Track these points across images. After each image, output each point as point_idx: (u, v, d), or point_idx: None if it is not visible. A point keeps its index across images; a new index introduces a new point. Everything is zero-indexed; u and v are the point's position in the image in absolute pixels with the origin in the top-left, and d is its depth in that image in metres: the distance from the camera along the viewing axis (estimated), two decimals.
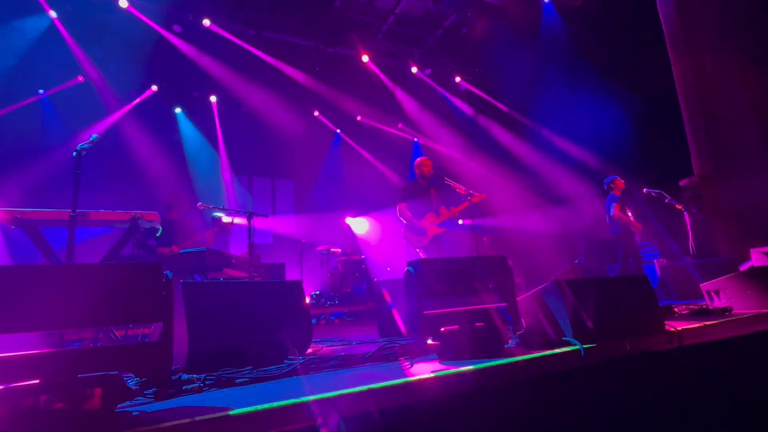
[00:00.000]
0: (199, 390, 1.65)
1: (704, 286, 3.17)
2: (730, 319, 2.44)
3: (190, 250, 4.17)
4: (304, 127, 9.73)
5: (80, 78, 7.41)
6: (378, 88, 9.33)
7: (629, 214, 5.69)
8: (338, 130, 10.78)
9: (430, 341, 1.97)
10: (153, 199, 7.65)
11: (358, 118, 10.48)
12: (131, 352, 1.39)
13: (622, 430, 1.83)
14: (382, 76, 9.09)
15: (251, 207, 9.58)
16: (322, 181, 10.68)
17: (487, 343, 1.90)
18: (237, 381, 1.74)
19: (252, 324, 2.35)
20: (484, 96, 9.45)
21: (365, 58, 8.50)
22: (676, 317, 2.76)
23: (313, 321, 6.76)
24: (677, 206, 5.59)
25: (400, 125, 10.77)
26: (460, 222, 7.74)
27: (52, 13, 6.72)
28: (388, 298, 3.02)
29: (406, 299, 2.28)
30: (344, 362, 1.98)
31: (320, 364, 1.96)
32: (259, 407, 1.22)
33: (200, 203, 4.76)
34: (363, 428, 1.34)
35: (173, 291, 1.51)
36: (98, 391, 1.24)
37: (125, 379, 1.37)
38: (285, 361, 2.15)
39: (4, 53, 6.51)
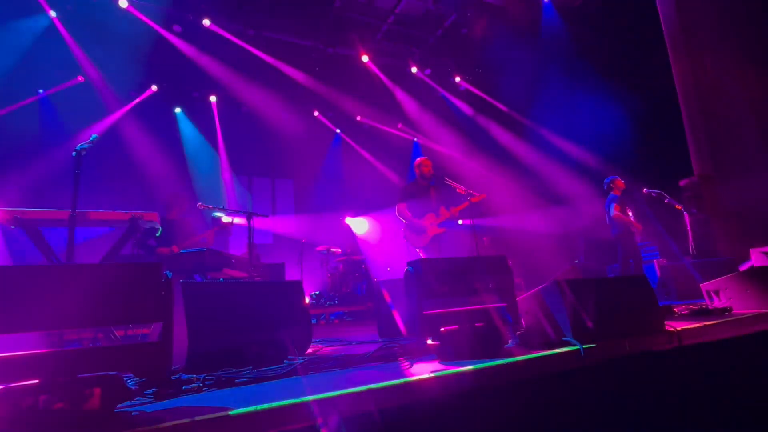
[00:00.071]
0: (199, 390, 1.65)
1: (704, 286, 3.17)
2: (729, 319, 2.44)
3: (189, 250, 4.17)
4: (304, 127, 9.73)
5: (80, 78, 7.41)
6: (378, 88, 9.33)
7: (630, 214, 5.69)
8: (338, 130, 10.78)
9: (429, 341, 1.97)
10: (153, 199, 7.65)
11: (358, 118, 10.48)
12: (131, 352, 1.39)
13: (622, 430, 1.83)
14: (382, 76, 9.09)
15: (251, 207, 9.59)
16: (322, 181, 10.68)
17: (487, 343, 1.90)
18: (237, 381, 1.74)
19: (252, 324, 2.35)
20: (484, 96, 9.45)
21: (365, 58, 8.50)
22: (676, 317, 2.76)
23: (313, 321, 6.76)
24: (677, 206, 5.59)
25: (399, 125, 10.77)
26: (460, 222, 7.74)
27: (52, 13, 6.72)
28: (387, 298, 3.02)
29: (405, 299, 2.28)
30: (344, 362, 1.98)
31: (320, 364, 1.96)
32: (259, 407, 1.22)
33: (200, 203, 4.76)
34: (363, 428, 1.34)
35: (173, 291, 1.51)
36: (98, 391, 1.24)
37: (125, 379, 1.37)
38: (285, 361, 2.15)
39: (3, 53, 6.51)
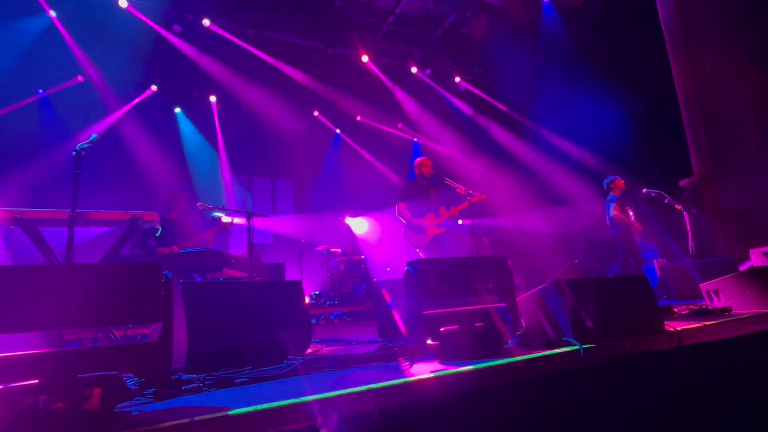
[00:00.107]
0: (199, 390, 1.64)
1: (704, 286, 3.17)
2: (729, 319, 2.44)
3: (189, 250, 4.18)
4: (304, 127, 9.73)
5: (80, 78, 7.41)
6: (378, 88, 9.33)
7: (630, 214, 5.69)
8: (338, 130, 10.78)
9: (429, 341, 1.97)
10: (153, 199, 7.65)
11: (358, 118, 10.48)
12: (131, 352, 1.39)
13: (622, 430, 1.83)
14: (382, 76, 9.09)
15: (251, 207, 9.59)
16: (322, 181, 10.68)
17: (487, 343, 1.90)
18: (236, 381, 1.74)
19: (251, 324, 2.35)
20: (484, 96, 9.45)
21: (365, 58, 8.50)
22: (676, 317, 2.76)
23: (313, 321, 6.76)
24: (677, 206, 5.59)
25: (399, 125, 10.77)
26: (460, 222, 7.74)
27: (52, 13, 6.72)
28: (387, 298, 3.02)
29: (405, 299, 2.28)
30: (344, 362, 1.98)
31: (320, 364, 1.96)
32: (259, 407, 1.22)
33: (200, 203, 4.76)
34: (363, 428, 1.34)
35: (173, 291, 1.51)
36: (97, 391, 1.24)
37: (125, 379, 1.37)
38: (284, 361, 2.15)
39: (3, 53, 6.51)
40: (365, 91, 9.46)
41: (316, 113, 10.17)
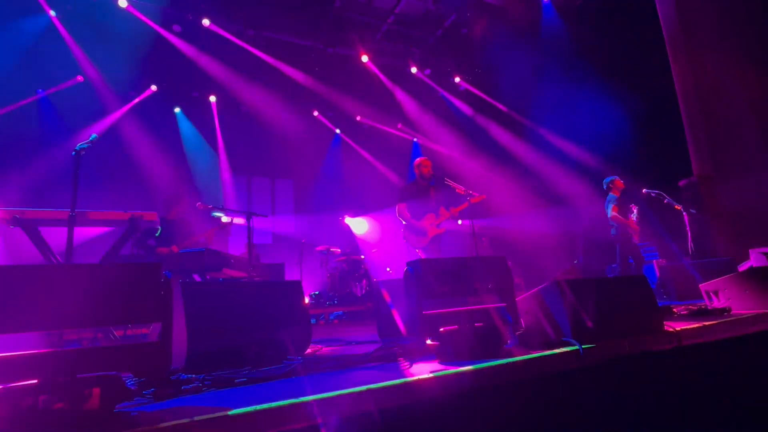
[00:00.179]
0: (198, 390, 1.64)
1: (703, 286, 3.18)
2: (729, 319, 2.44)
3: (189, 250, 4.17)
4: (304, 127, 9.73)
5: (79, 78, 7.41)
6: (377, 88, 9.33)
7: (634, 212, 5.69)
8: (338, 130, 10.78)
9: (429, 341, 1.97)
10: (152, 199, 7.65)
11: (358, 118, 10.49)
12: (130, 352, 1.39)
13: (621, 430, 1.83)
14: (382, 77, 9.09)
15: (250, 207, 9.59)
16: (322, 181, 10.68)
17: (487, 344, 1.90)
18: (236, 381, 1.74)
19: (251, 324, 2.34)
20: (484, 96, 9.45)
21: (365, 58, 8.50)
22: (675, 317, 2.76)
23: (313, 321, 6.76)
24: (676, 206, 5.59)
25: (399, 125, 10.77)
26: (460, 222, 7.74)
27: (52, 13, 6.71)
28: (387, 298, 3.02)
29: (405, 299, 2.28)
30: (343, 362, 1.98)
31: (319, 364, 1.96)
32: (258, 407, 1.22)
33: (199, 203, 4.76)
34: (363, 428, 1.34)
35: (172, 291, 1.51)
36: (97, 391, 1.24)
37: (124, 379, 1.37)
38: (284, 361, 2.15)
39: (3, 53, 6.50)
40: (365, 91, 9.46)
41: (315, 113, 10.17)
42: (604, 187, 5.97)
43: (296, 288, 2.69)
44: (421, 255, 4.65)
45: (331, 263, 8.18)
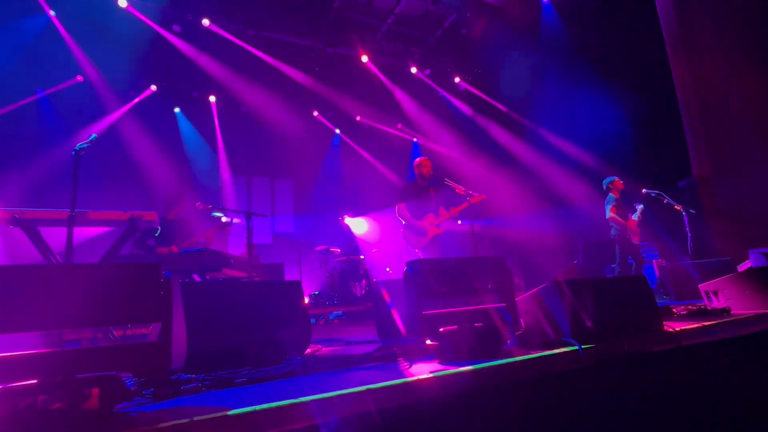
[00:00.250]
0: (198, 390, 1.64)
1: (703, 286, 3.18)
2: (728, 319, 2.44)
3: (189, 250, 4.17)
4: (304, 127, 9.73)
5: (79, 77, 7.40)
6: (377, 88, 9.33)
7: (638, 211, 5.69)
8: (337, 130, 10.78)
9: (429, 342, 1.97)
10: (152, 199, 7.64)
11: (358, 118, 10.49)
12: (130, 352, 1.39)
13: (621, 430, 1.83)
14: (382, 77, 9.09)
15: (250, 207, 9.59)
16: (322, 181, 10.68)
17: (486, 344, 1.90)
18: (236, 381, 1.74)
19: (251, 324, 2.34)
20: (484, 96, 9.46)
21: (365, 59, 8.50)
22: (675, 318, 2.76)
23: (312, 321, 6.75)
24: (676, 207, 5.60)
25: (399, 125, 10.77)
26: (460, 222, 7.74)
27: (51, 12, 6.71)
28: (387, 298, 3.02)
29: (405, 299, 2.28)
30: (343, 362, 1.98)
31: (319, 364, 1.96)
32: (258, 407, 1.22)
33: (199, 203, 4.75)
34: (362, 428, 1.34)
35: (172, 291, 1.50)
36: (96, 391, 1.24)
37: (123, 379, 1.37)
38: (284, 361, 2.15)
39: (2, 52, 6.50)
40: (365, 91, 9.46)
41: (315, 113, 10.17)
42: (604, 187, 5.98)
43: (296, 288, 2.69)
44: (421, 255, 4.65)
45: (330, 263, 8.18)
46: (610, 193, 5.85)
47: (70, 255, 2.75)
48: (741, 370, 2.25)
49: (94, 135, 3.09)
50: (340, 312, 7.30)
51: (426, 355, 2.02)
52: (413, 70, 9.10)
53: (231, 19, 7.48)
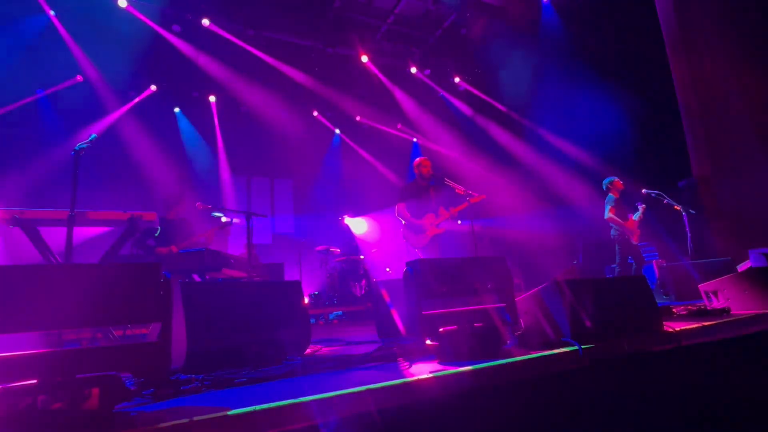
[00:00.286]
0: (198, 390, 1.64)
1: (702, 286, 3.18)
2: (728, 319, 2.44)
3: (188, 250, 4.17)
4: (304, 127, 9.73)
5: (79, 77, 7.40)
6: (377, 88, 9.33)
7: (640, 210, 5.69)
8: (337, 130, 10.78)
9: (428, 342, 1.97)
10: (152, 199, 7.64)
11: (358, 118, 10.49)
12: (129, 352, 1.39)
13: (620, 430, 1.83)
14: (382, 77, 9.09)
15: (250, 207, 9.59)
16: (322, 181, 10.68)
17: (486, 344, 1.90)
18: (235, 381, 1.73)
19: (251, 324, 2.34)
20: (483, 96, 9.46)
21: (364, 59, 8.50)
22: (675, 318, 2.76)
23: (312, 321, 6.75)
24: (676, 207, 5.60)
25: (399, 125, 10.77)
26: (459, 222, 7.74)
27: (51, 12, 6.70)
28: (386, 298, 3.02)
29: (405, 299, 2.28)
30: (343, 362, 1.98)
31: (319, 364, 1.96)
32: (258, 407, 1.22)
33: (199, 203, 4.75)
34: (362, 428, 1.34)
35: (172, 291, 1.50)
36: (96, 391, 1.24)
37: (123, 379, 1.37)
38: (284, 361, 2.15)
39: (2, 52, 6.49)
40: (365, 91, 9.46)
41: (315, 113, 10.16)
42: (604, 187, 5.98)
43: (296, 288, 2.69)
44: (421, 255, 4.65)
45: (330, 263, 8.18)
46: (610, 194, 5.86)
47: (70, 255, 2.75)
48: (741, 370, 2.26)
49: (93, 135, 3.09)
50: (340, 312, 7.30)
51: (426, 355, 2.02)
52: (413, 70, 9.10)
53: (231, 19, 7.48)
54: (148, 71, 7.94)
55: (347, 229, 9.72)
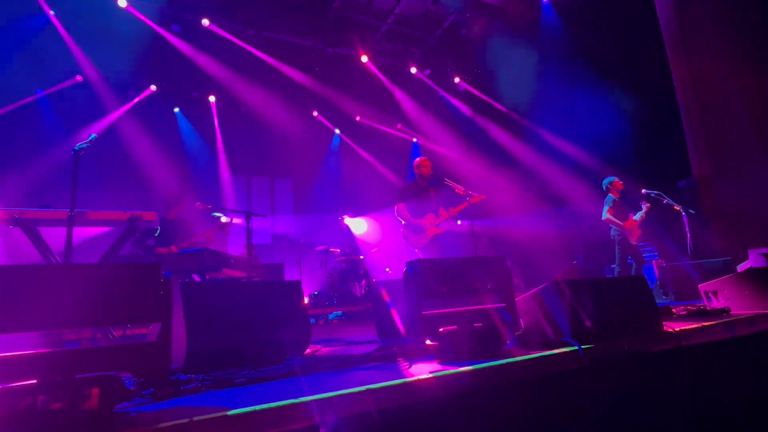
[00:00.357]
0: (198, 390, 1.64)
1: (702, 287, 3.18)
2: (728, 319, 2.44)
3: (188, 250, 4.17)
4: (303, 127, 9.73)
5: (78, 77, 7.40)
6: (377, 88, 9.33)
7: (644, 209, 5.68)
8: (337, 130, 10.78)
9: (428, 342, 1.97)
10: (152, 199, 7.64)
11: (357, 118, 10.49)
12: (129, 353, 1.39)
13: (620, 430, 1.83)
14: (382, 77, 9.09)
15: (250, 207, 9.59)
16: (321, 181, 10.68)
17: (486, 344, 1.90)
18: (235, 381, 1.73)
19: (250, 324, 2.34)
20: (483, 96, 9.46)
21: (364, 59, 8.50)
22: (675, 318, 2.76)
23: (312, 321, 6.75)
24: (676, 207, 5.60)
25: (399, 125, 10.77)
26: (459, 222, 7.74)
27: (51, 12, 6.70)
28: (386, 298, 3.02)
29: (404, 300, 2.28)
30: (343, 362, 1.98)
31: (319, 364, 1.96)
32: (258, 407, 1.22)
33: (199, 203, 4.75)
34: (362, 428, 1.34)
35: (172, 291, 1.50)
36: (96, 391, 1.24)
37: (123, 379, 1.37)
38: (283, 361, 2.15)
39: (2, 52, 6.49)
40: (365, 92, 9.46)
41: (315, 113, 10.16)
42: (604, 188, 5.98)
43: (296, 288, 2.69)
44: (421, 255, 4.64)
45: (330, 263, 8.18)
46: (609, 194, 5.86)
47: (70, 255, 2.75)
48: (740, 370, 2.26)
49: (93, 135, 3.09)
50: (339, 312, 7.30)
51: (426, 355, 2.02)
52: (413, 70, 9.10)
53: (231, 19, 7.48)
54: (147, 71, 7.94)
55: (347, 229, 9.72)
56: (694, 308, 2.90)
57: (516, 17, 7.73)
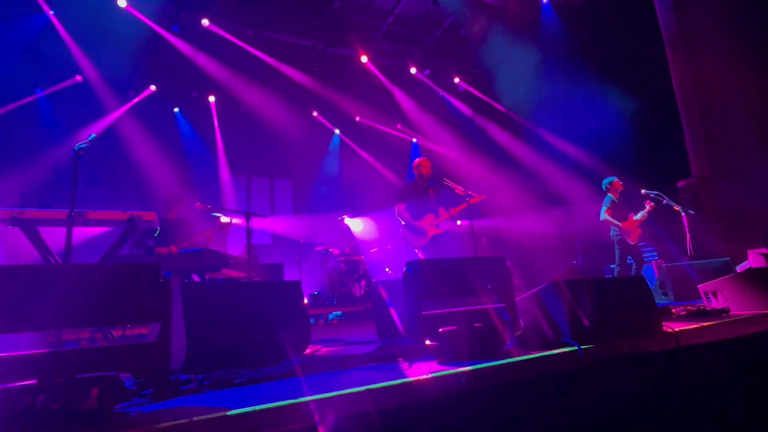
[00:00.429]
0: (197, 390, 1.64)
1: (702, 287, 3.18)
2: (727, 320, 2.44)
3: (188, 250, 4.17)
4: (303, 127, 9.73)
5: (78, 77, 7.39)
6: (377, 88, 9.34)
7: (647, 208, 5.67)
8: (337, 131, 10.78)
9: (428, 342, 1.97)
10: (151, 199, 7.63)
11: (357, 118, 10.49)
12: (129, 353, 1.39)
13: (620, 430, 1.83)
14: (381, 77, 9.09)
15: (250, 207, 9.59)
16: (321, 181, 10.68)
17: (486, 344, 1.90)
18: (235, 381, 1.73)
19: (250, 324, 2.34)
20: (483, 97, 9.46)
21: (364, 59, 8.51)
22: (674, 318, 2.76)
23: (312, 321, 6.75)
24: (675, 207, 5.60)
25: (398, 126, 10.78)
26: (459, 222, 7.75)
27: (51, 12, 6.70)
28: (386, 298, 3.02)
29: (404, 300, 2.28)
30: (342, 363, 1.98)
31: (318, 364, 1.96)
32: (257, 408, 1.22)
33: (198, 203, 4.75)
34: (361, 428, 1.34)
35: (171, 291, 1.50)
36: (95, 391, 1.24)
37: (123, 379, 1.37)
38: (283, 361, 2.15)
39: (1, 52, 6.49)
40: (364, 92, 9.46)
41: (315, 113, 10.16)
42: (603, 188, 5.98)
43: (295, 288, 2.69)
44: (420, 255, 4.65)
45: (330, 263, 8.18)
46: (608, 194, 5.86)
47: (70, 255, 2.75)
48: (740, 371, 2.26)
49: (93, 135, 3.09)
50: (339, 312, 7.30)
51: (425, 356, 2.02)
52: (413, 70, 9.10)
53: (230, 19, 7.48)
54: (147, 71, 7.94)
55: (347, 230, 9.72)
56: (694, 308, 2.90)
57: (516, 17, 7.74)
